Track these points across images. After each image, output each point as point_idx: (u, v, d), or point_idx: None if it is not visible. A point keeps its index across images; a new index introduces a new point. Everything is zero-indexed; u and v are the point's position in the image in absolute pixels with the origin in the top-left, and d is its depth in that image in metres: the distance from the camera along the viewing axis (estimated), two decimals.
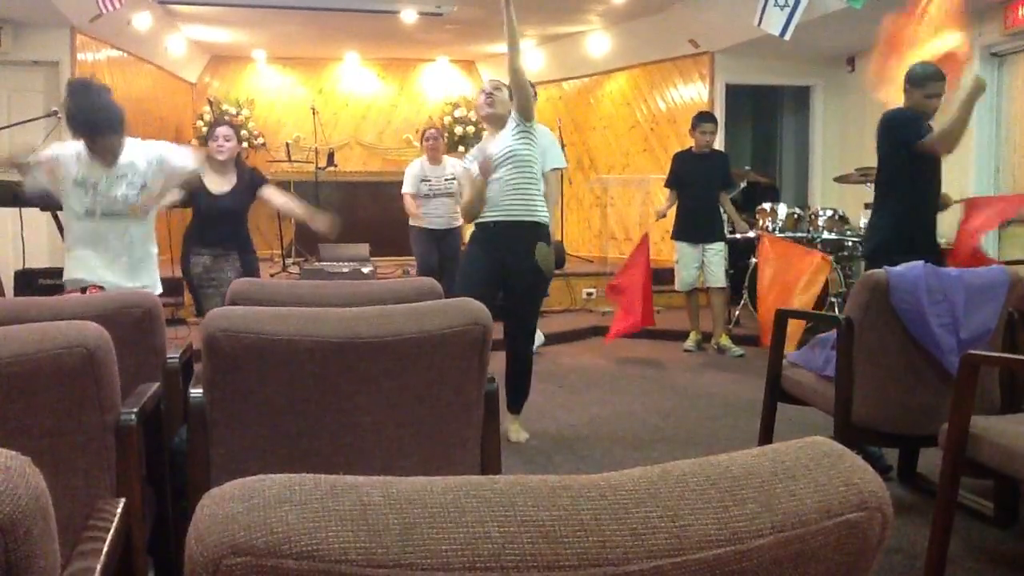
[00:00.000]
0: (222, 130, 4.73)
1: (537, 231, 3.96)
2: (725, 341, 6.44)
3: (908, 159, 3.98)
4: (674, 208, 6.54)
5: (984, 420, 2.41)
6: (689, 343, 6.62)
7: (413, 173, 6.43)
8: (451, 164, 6.44)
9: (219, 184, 4.65)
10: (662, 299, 8.33)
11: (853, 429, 2.91)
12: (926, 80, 3.98)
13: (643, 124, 9.45)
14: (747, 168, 7.99)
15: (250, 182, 4.82)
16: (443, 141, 6.55)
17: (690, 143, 6.52)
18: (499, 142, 3.99)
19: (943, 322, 2.81)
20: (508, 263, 3.93)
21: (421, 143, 6.57)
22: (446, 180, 6.34)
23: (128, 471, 1.73)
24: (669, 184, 6.57)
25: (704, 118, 6.48)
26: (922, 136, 3.92)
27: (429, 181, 6.35)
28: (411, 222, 6.48)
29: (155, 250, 3.66)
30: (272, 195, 4.77)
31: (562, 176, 6.59)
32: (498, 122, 4.04)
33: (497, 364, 4.97)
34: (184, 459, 2.05)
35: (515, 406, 4.15)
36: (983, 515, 2.99)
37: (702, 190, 6.33)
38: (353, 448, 1.88)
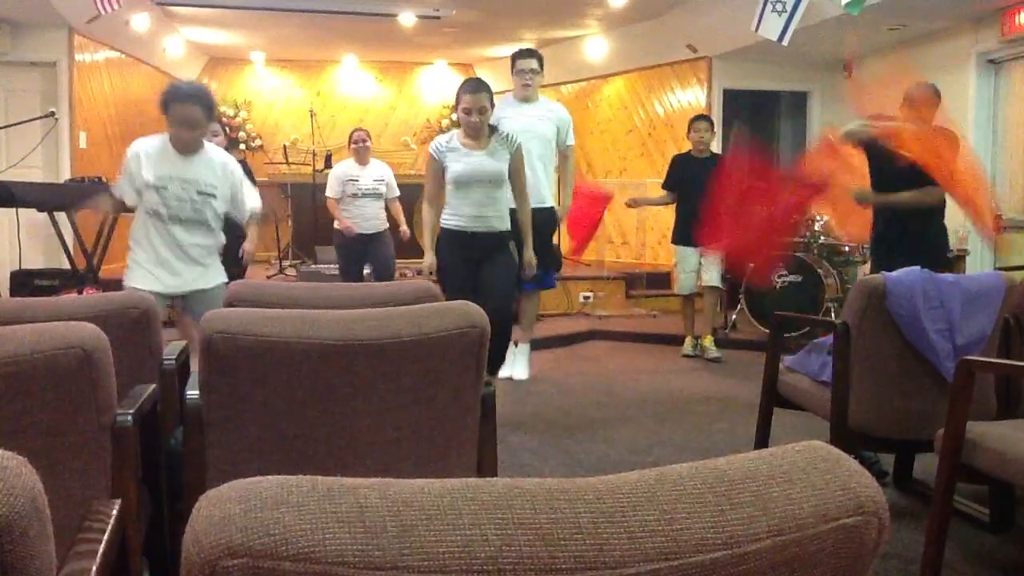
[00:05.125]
0: (211, 126, 5.04)
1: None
2: (708, 342, 6.44)
3: (873, 171, 4.34)
4: (664, 209, 6.58)
5: (980, 426, 2.42)
6: (687, 348, 6.56)
7: (336, 175, 6.49)
8: (377, 165, 6.52)
9: None
10: (658, 303, 8.34)
11: (849, 433, 2.91)
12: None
13: (641, 129, 9.46)
14: None
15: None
16: (370, 144, 6.52)
17: (688, 147, 6.52)
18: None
19: (939, 327, 2.81)
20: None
21: (348, 145, 6.57)
22: (374, 180, 6.39)
23: (124, 472, 1.73)
24: (666, 186, 6.50)
25: (698, 118, 6.48)
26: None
27: (356, 180, 6.36)
28: (336, 225, 6.48)
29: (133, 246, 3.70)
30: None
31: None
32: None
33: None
34: (180, 460, 2.04)
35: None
36: (979, 520, 3.00)
37: (701, 193, 6.12)
38: (350, 450, 1.88)
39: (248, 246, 4.12)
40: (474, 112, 4.12)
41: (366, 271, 6.66)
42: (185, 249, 3.59)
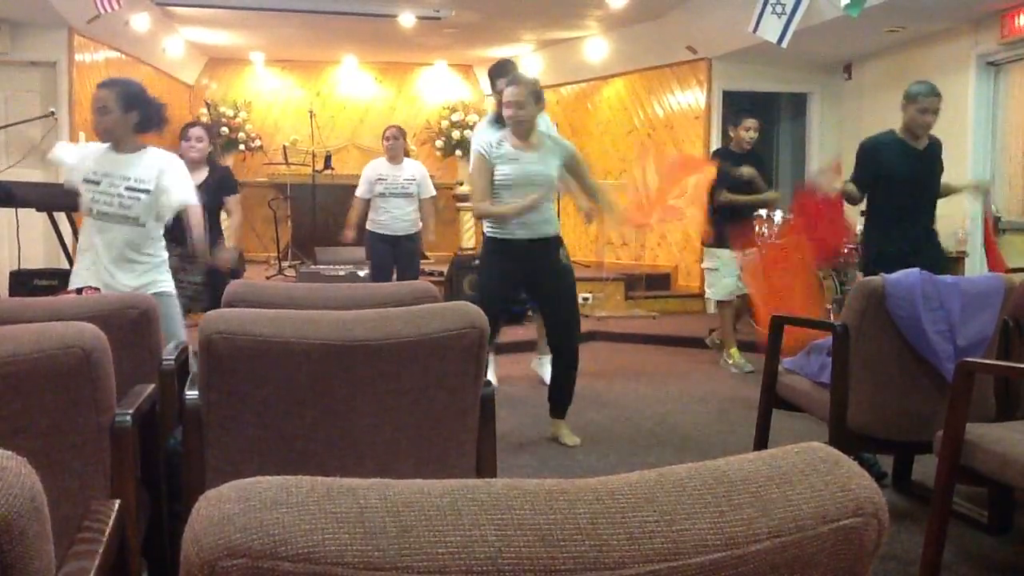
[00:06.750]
0: (195, 131, 4.99)
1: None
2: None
3: (872, 182, 4.35)
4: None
5: (979, 427, 2.42)
6: (739, 360, 5.91)
7: (366, 174, 6.27)
8: (411, 164, 6.33)
9: None
10: (658, 305, 8.35)
11: (848, 435, 2.91)
12: (919, 96, 4.20)
13: (640, 130, 9.46)
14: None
15: (220, 181, 4.95)
16: (403, 141, 6.35)
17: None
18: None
19: (939, 329, 2.81)
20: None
21: (382, 143, 6.38)
22: (405, 179, 6.18)
23: (123, 472, 1.73)
24: None
25: (745, 112, 6.03)
26: (861, 179, 4.35)
27: (385, 179, 6.17)
28: (367, 225, 6.28)
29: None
30: (231, 210, 4.98)
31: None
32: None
33: (506, 368, 4.96)
34: (179, 461, 2.05)
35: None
36: (977, 522, 2.99)
37: (742, 192, 5.81)
38: (349, 451, 1.88)
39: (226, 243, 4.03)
40: (513, 105, 3.79)
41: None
42: (116, 248, 3.39)
